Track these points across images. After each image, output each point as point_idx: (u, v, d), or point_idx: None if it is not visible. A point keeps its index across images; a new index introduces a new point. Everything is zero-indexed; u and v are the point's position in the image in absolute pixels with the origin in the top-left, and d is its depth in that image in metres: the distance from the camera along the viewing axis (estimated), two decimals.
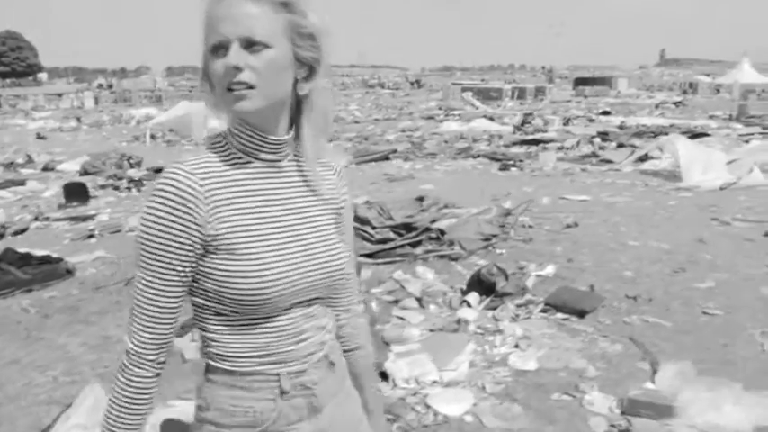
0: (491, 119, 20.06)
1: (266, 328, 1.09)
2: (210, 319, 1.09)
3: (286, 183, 1.12)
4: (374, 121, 22.47)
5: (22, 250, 6.03)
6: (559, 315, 4.15)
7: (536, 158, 11.52)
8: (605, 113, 21.95)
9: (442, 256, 5.22)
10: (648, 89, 41.58)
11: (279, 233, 1.09)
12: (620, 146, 12.73)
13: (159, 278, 1.04)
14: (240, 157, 1.08)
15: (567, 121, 18.90)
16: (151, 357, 1.08)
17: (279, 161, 1.11)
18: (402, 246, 5.31)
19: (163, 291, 1.05)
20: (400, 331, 3.84)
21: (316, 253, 1.12)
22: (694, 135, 13.47)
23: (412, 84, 57.20)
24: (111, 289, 5.17)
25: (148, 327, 1.06)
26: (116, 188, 10.35)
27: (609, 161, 11.03)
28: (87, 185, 9.75)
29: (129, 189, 10.25)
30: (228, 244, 1.04)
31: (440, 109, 26.99)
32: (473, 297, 4.28)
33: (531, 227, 6.27)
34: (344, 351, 1.29)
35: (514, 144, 14.05)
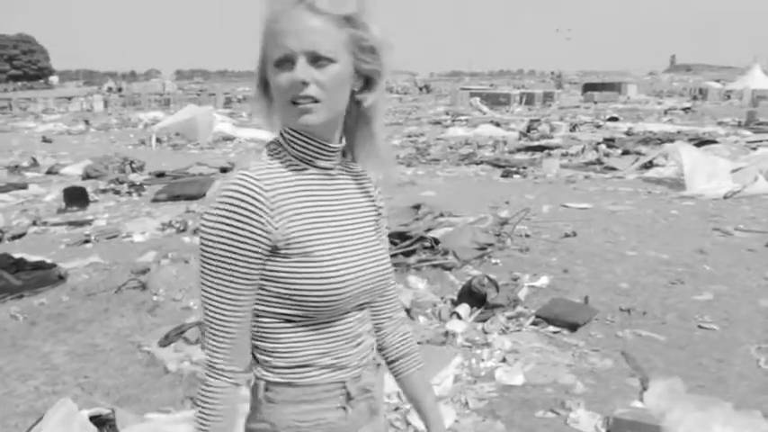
0: (497, 124, 19.95)
1: (330, 332, 1.11)
2: (276, 329, 1.10)
3: (339, 189, 1.16)
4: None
5: (16, 255, 6.02)
6: (551, 328, 4.07)
7: (539, 165, 11.41)
8: (613, 119, 21.74)
9: (435, 266, 5.15)
10: (658, 95, 41.25)
11: (341, 237, 1.12)
12: (626, 153, 12.59)
13: (233, 288, 1.05)
14: (297, 164, 1.11)
15: (573, 127, 18.75)
16: (234, 368, 1.08)
17: (331, 168, 1.14)
18: (395, 255, 5.23)
19: (237, 300, 1.06)
20: None
21: (369, 257, 1.16)
22: (701, 142, 13.31)
23: (420, 89, 57.10)
24: (100, 296, 5.13)
25: (228, 338, 1.06)
26: (117, 192, 10.35)
27: (613, 168, 10.91)
28: (87, 190, 9.75)
29: (129, 194, 10.24)
30: (302, 247, 1.06)
31: (447, 114, 26.90)
32: (463, 308, 4.21)
33: (528, 236, 6.19)
34: (393, 360, 1.30)
35: (519, 150, 13.93)
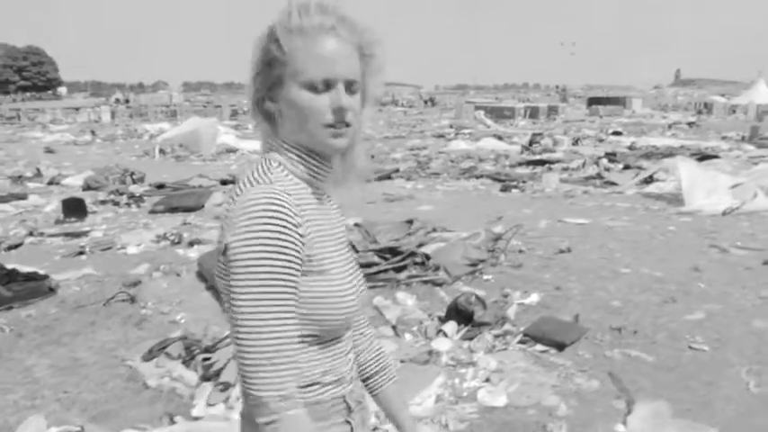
0: (500, 138, 19.94)
1: (333, 349, 1.12)
2: None
3: (329, 209, 1.19)
4: (384, 139, 22.44)
5: (9, 266, 6.01)
6: (538, 347, 4.00)
7: (540, 179, 11.37)
8: (616, 133, 21.72)
9: (425, 282, 5.10)
10: (663, 109, 41.20)
11: (342, 255, 1.15)
12: (627, 167, 12.53)
13: (287, 309, 1.01)
14: (299, 183, 1.11)
15: (576, 141, 18.73)
16: (296, 393, 1.01)
17: (322, 189, 1.17)
18: (386, 270, 5.20)
19: (291, 320, 1.01)
20: None
21: (357, 274, 1.20)
22: (703, 157, 13.24)
23: (425, 102, 57.26)
24: (89, 309, 5.11)
25: (291, 362, 1.01)
26: (116, 204, 10.37)
27: (613, 183, 10.85)
28: (86, 201, 9.77)
29: (128, 205, 10.25)
30: (319, 266, 1.06)
31: (451, 127, 26.92)
32: (450, 326, 4.15)
33: (522, 251, 6.14)
34: (369, 376, 1.32)
35: (520, 164, 13.91)
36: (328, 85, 1.04)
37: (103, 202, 10.42)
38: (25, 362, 4.13)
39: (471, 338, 4.05)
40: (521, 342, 4.04)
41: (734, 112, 34.14)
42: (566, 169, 12.79)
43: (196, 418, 3.25)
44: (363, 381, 1.30)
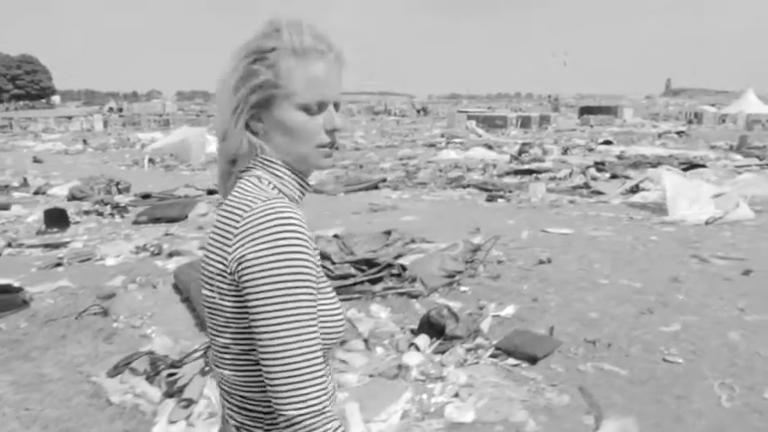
0: (489, 147, 19.95)
1: (327, 366, 1.10)
2: None
3: None
4: (375, 148, 22.42)
5: None
6: (510, 360, 3.95)
7: (526, 189, 11.35)
8: (607, 143, 21.77)
9: (401, 294, 5.05)
10: (654, 118, 41.37)
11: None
12: (614, 176, 12.55)
13: (312, 322, 0.99)
14: (287, 201, 1.09)
15: (565, 151, 18.75)
16: (329, 407, 1.01)
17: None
18: (362, 282, 5.14)
19: (316, 333, 1.00)
20: (338, 377, 3.65)
21: None
22: (690, 166, 13.27)
23: (418, 111, 57.35)
24: (60, 322, 5.03)
25: (325, 377, 1.00)
26: (100, 214, 10.29)
27: (599, 192, 10.84)
28: (69, 211, 9.68)
29: (112, 215, 10.17)
30: (319, 283, 1.05)
31: (442, 136, 26.95)
32: (422, 340, 4.10)
33: (501, 262, 6.10)
34: None
35: (508, 174, 13.90)
36: (320, 107, 1.06)
37: (87, 213, 10.33)
38: None
39: (443, 352, 4.00)
40: (493, 356, 3.98)
41: (723, 121, 34.33)
42: (553, 179, 12.78)
43: None
44: None
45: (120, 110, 57.59)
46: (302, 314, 0.97)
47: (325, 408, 0.98)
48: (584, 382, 3.73)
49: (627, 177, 12.06)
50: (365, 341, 4.17)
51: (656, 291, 5.33)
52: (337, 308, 1.10)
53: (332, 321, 1.08)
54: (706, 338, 4.33)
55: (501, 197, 10.69)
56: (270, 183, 1.08)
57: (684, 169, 12.49)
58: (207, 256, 1.08)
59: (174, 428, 3.20)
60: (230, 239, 1.01)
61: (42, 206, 10.78)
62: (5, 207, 10.82)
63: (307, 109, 1.05)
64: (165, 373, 3.65)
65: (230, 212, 1.05)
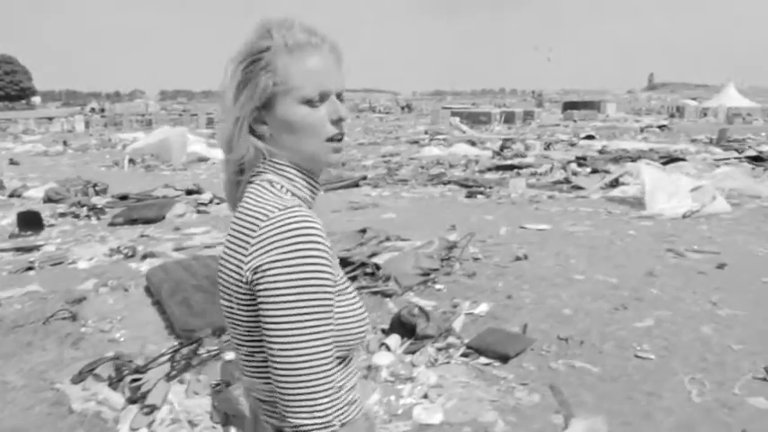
0: (473, 143, 19.94)
1: (354, 366, 1.13)
2: None
3: None
4: (358, 146, 22.33)
5: None
6: (482, 359, 3.91)
7: (507, 185, 11.33)
8: (589, 137, 21.84)
9: (375, 293, 5.00)
10: (637, 113, 41.64)
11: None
12: (595, 171, 12.58)
13: (325, 334, 0.98)
14: (302, 204, 1.08)
15: (548, 146, 18.79)
16: (337, 420, 1.00)
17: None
18: None
19: (331, 343, 1.00)
20: None
21: None
22: (670, 160, 13.34)
23: (402, 108, 57.28)
24: (27, 328, 4.91)
25: (328, 389, 0.98)
26: (76, 216, 10.12)
27: (579, 187, 10.86)
28: (44, 214, 9.52)
29: (88, 217, 10.01)
30: (340, 286, 1.06)
31: (426, 133, 26.91)
32: (393, 340, 4.05)
33: (477, 259, 6.06)
34: None
35: (490, 170, 13.88)
36: (322, 98, 1.05)
37: (63, 215, 10.15)
38: None
39: (414, 352, 3.95)
40: (464, 355, 3.94)
41: (705, 115, 34.65)
42: (534, 174, 12.79)
43: None
44: None
45: (102, 110, 56.90)
46: (314, 326, 0.96)
47: (331, 421, 0.98)
48: (555, 380, 3.70)
49: (607, 172, 12.09)
50: None
51: (631, 286, 5.32)
52: (360, 308, 1.10)
53: (355, 322, 1.07)
54: (678, 333, 4.33)
55: (481, 193, 10.66)
56: (282, 186, 1.07)
57: (664, 163, 12.56)
58: (223, 266, 1.07)
59: None
60: (247, 248, 1.01)
61: (17, 209, 10.59)
62: None
63: (309, 102, 1.04)
64: (128, 378, 3.56)
65: (246, 221, 1.03)
